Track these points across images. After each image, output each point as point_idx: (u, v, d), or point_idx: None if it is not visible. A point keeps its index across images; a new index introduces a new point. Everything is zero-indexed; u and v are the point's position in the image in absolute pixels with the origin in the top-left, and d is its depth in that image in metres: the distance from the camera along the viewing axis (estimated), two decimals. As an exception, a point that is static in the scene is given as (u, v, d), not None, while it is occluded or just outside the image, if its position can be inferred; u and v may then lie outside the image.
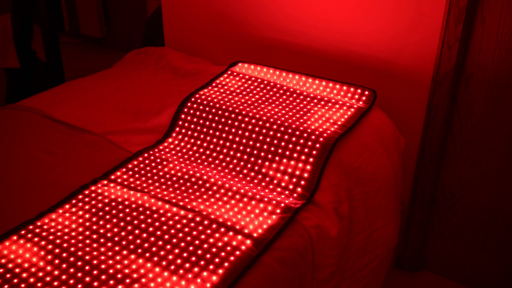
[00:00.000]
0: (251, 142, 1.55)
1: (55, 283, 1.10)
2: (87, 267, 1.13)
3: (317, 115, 1.63)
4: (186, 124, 1.68)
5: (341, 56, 1.98)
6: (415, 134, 1.92)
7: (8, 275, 1.12)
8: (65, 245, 1.20)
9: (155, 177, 1.47)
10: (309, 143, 1.49)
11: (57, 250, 1.18)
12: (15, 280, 1.11)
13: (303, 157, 1.48)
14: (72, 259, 1.16)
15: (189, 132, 1.66)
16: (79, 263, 1.14)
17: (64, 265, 1.14)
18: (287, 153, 1.50)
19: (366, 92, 1.75)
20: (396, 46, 1.84)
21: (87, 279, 1.10)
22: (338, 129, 1.56)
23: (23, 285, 1.09)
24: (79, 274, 1.12)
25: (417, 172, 1.97)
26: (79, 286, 1.09)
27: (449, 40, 1.72)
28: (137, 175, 1.47)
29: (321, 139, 1.50)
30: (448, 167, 1.95)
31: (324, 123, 1.58)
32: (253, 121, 1.58)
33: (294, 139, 1.51)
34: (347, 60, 1.97)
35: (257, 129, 1.56)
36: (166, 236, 1.23)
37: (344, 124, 1.59)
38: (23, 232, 1.24)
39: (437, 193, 2.01)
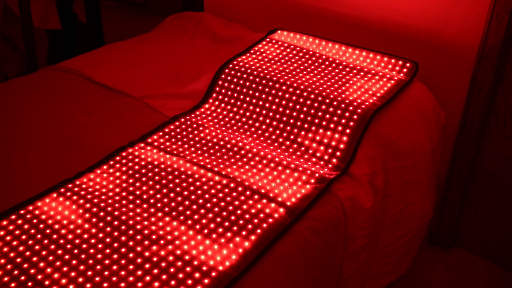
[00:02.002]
0: (287, 111, 1.54)
1: (92, 241, 1.13)
2: (123, 227, 1.16)
3: (356, 86, 1.60)
4: (223, 91, 1.67)
5: (382, 26, 1.93)
6: (457, 109, 1.87)
7: (47, 231, 1.16)
8: (102, 204, 1.23)
9: (191, 142, 1.48)
10: (347, 114, 1.47)
11: (94, 209, 1.21)
12: (54, 236, 1.14)
13: (339, 128, 1.46)
14: (108, 218, 1.18)
15: (226, 99, 1.65)
16: (116, 223, 1.17)
17: (101, 224, 1.17)
18: (324, 123, 1.48)
19: (408, 64, 1.71)
20: (441, 16, 1.78)
21: (123, 238, 1.13)
22: (377, 101, 1.53)
23: (61, 241, 1.13)
24: (115, 233, 1.14)
25: (456, 148, 1.93)
26: (115, 244, 1.11)
27: (498, 12, 1.65)
28: (173, 139, 1.49)
29: (359, 110, 1.47)
30: (489, 144, 1.90)
31: (363, 94, 1.56)
32: (291, 89, 1.56)
33: (331, 109, 1.49)
34: (389, 30, 1.92)
35: (294, 98, 1.54)
36: (200, 201, 1.24)
37: (383, 96, 1.56)
38: (62, 190, 1.28)
39: (475, 170, 1.96)
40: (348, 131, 1.45)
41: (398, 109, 1.58)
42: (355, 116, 1.46)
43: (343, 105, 1.49)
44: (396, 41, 1.91)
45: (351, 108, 1.48)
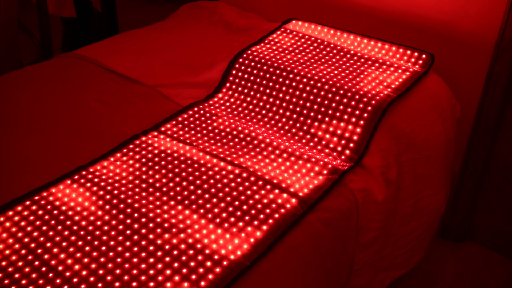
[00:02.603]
0: (301, 102, 1.53)
1: (105, 228, 1.14)
2: (135, 215, 1.17)
3: (371, 77, 1.59)
4: (237, 80, 1.67)
5: (398, 16, 1.91)
6: (472, 101, 1.85)
7: (61, 217, 1.17)
8: (115, 192, 1.23)
9: (204, 131, 1.48)
10: (361, 105, 1.46)
11: (107, 196, 1.22)
12: (68, 222, 1.15)
13: (353, 120, 1.45)
14: (121, 206, 1.19)
15: (240, 88, 1.65)
16: (128, 210, 1.18)
17: (114, 211, 1.18)
18: (338, 114, 1.47)
19: (423, 56, 1.69)
20: (458, 8, 1.76)
21: (136, 225, 1.14)
22: (392, 93, 1.52)
23: (75, 227, 1.14)
24: (128, 221, 1.15)
25: (471, 141, 1.91)
26: (128, 232, 1.12)
27: (517, 3, 1.62)
28: (186, 128, 1.49)
29: (373, 102, 1.46)
30: (504, 137, 1.88)
31: (377, 86, 1.54)
32: (305, 80, 1.56)
33: (345, 100, 1.48)
34: (405, 21, 1.90)
35: (308, 88, 1.54)
36: (213, 190, 1.24)
37: (398, 88, 1.55)
38: (76, 177, 1.29)
39: (490, 164, 1.94)
40: (361, 122, 1.44)
41: (413, 101, 1.57)
42: (369, 108, 1.45)
43: (357, 96, 1.48)
44: (412, 32, 1.89)
45: (365, 99, 1.47)
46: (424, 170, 1.56)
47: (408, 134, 1.51)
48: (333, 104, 1.49)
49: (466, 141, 1.93)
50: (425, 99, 1.60)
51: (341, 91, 1.50)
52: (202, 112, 1.56)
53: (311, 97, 1.52)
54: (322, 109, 1.49)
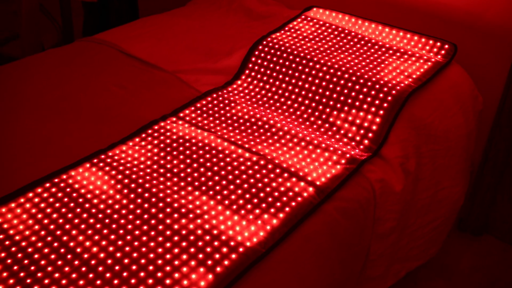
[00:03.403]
0: (320, 90, 1.52)
1: (123, 211, 1.15)
2: (153, 199, 1.17)
3: (392, 66, 1.57)
4: (256, 67, 1.66)
5: (421, 6, 1.88)
6: (495, 93, 1.82)
7: (80, 200, 1.18)
8: (133, 176, 1.24)
9: (222, 118, 1.48)
10: (381, 95, 1.45)
11: (126, 180, 1.23)
12: (87, 205, 1.17)
13: (373, 109, 1.44)
14: (139, 190, 1.20)
15: (259, 76, 1.64)
16: (146, 195, 1.19)
17: (132, 195, 1.19)
18: (357, 103, 1.46)
19: (446, 46, 1.66)
20: (483, -3, 1.72)
21: (153, 210, 1.15)
22: (412, 83, 1.50)
23: (93, 210, 1.15)
24: (146, 205, 1.16)
25: (492, 134, 1.88)
26: (145, 216, 1.13)
27: (544, -6, 1.59)
28: (205, 115, 1.49)
29: (393, 91, 1.45)
30: (527, 131, 1.85)
31: (398, 76, 1.53)
32: (325, 68, 1.54)
33: (365, 89, 1.46)
34: (428, 11, 1.87)
35: (328, 77, 1.52)
36: (230, 177, 1.25)
37: (419, 78, 1.53)
38: (95, 160, 1.30)
39: (511, 157, 1.91)
40: (381, 112, 1.43)
41: (434, 92, 1.55)
42: (389, 98, 1.44)
43: (377, 86, 1.46)
44: (435, 22, 1.86)
45: (385, 89, 1.45)
46: (443, 162, 1.55)
47: (428, 125, 1.50)
48: (353, 93, 1.47)
49: (487, 133, 1.90)
50: (447, 90, 1.58)
51: (361, 80, 1.48)
52: (220, 98, 1.56)
53: (331, 86, 1.51)
54: (342, 98, 1.48)
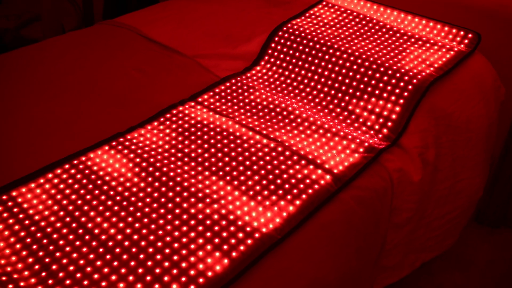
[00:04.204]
0: (340, 78, 1.51)
1: (141, 194, 1.15)
2: (170, 183, 1.18)
3: (413, 55, 1.55)
4: (275, 54, 1.65)
5: (445, -7, 1.84)
6: (518, 84, 1.79)
7: (98, 182, 1.19)
8: (151, 160, 1.25)
9: (241, 104, 1.48)
10: (401, 83, 1.43)
11: (144, 164, 1.24)
12: (105, 187, 1.18)
13: (393, 98, 1.42)
14: (157, 173, 1.21)
15: (278, 62, 1.64)
16: (164, 179, 1.19)
17: (149, 179, 1.20)
18: (377, 92, 1.44)
19: (469, 35, 1.64)
20: (509, -14, 1.69)
21: (170, 194, 1.15)
22: (434, 72, 1.48)
23: (111, 192, 1.16)
24: (163, 189, 1.17)
25: (514, 126, 1.85)
26: (162, 199, 1.14)
27: None
28: (223, 100, 1.49)
29: (414, 80, 1.43)
30: (549, 123, 1.81)
31: (420, 65, 1.50)
32: (345, 56, 1.53)
33: (385, 78, 1.45)
34: (452, -1, 1.84)
35: (348, 64, 1.51)
36: (247, 162, 1.25)
37: (441, 67, 1.51)
38: (114, 143, 1.31)
39: (532, 150, 1.89)
40: (401, 101, 1.41)
41: (455, 82, 1.52)
42: (410, 87, 1.42)
43: (398, 75, 1.44)
44: (459, 10, 1.83)
45: (406, 78, 1.43)
46: (463, 153, 1.53)
47: (449, 115, 1.48)
48: (373, 82, 1.46)
49: (509, 125, 1.87)
50: (469, 80, 1.56)
51: (382, 69, 1.46)
52: (239, 84, 1.55)
53: (351, 74, 1.50)
54: (361, 86, 1.47)
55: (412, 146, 1.38)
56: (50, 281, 0.97)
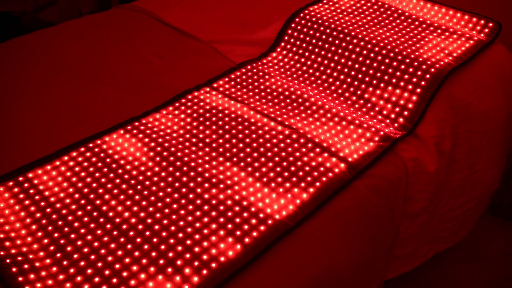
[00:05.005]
0: (356, 65, 1.49)
1: (155, 179, 1.16)
2: (185, 168, 1.18)
3: (432, 44, 1.53)
4: (292, 40, 1.64)
5: (466, -19, 1.81)
6: (538, 75, 1.75)
7: (113, 165, 1.20)
8: (166, 144, 1.25)
9: (256, 90, 1.47)
10: (419, 72, 1.41)
11: (158, 148, 1.24)
12: (120, 171, 1.18)
13: (410, 87, 1.41)
14: (171, 158, 1.21)
15: (294, 49, 1.62)
16: (178, 163, 1.20)
17: (164, 163, 1.20)
18: (394, 80, 1.43)
19: (490, 24, 1.61)
20: (533, -26, 1.65)
21: (184, 179, 1.15)
22: (453, 61, 1.46)
23: (126, 176, 1.17)
24: (177, 174, 1.17)
25: (532, 118, 1.82)
26: (177, 184, 1.14)
27: None
28: (238, 86, 1.48)
29: (432, 69, 1.41)
30: None
31: (438, 53, 1.48)
32: (362, 43, 1.51)
33: (403, 66, 1.43)
34: (473, -13, 1.80)
35: (365, 52, 1.49)
36: (262, 149, 1.24)
37: (459, 57, 1.48)
38: (129, 127, 1.31)
39: (551, 142, 1.85)
40: (418, 90, 1.39)
41: (474, 71, 1.50)
42: (428, 76, 1.40)
43: (416, 63, 1.43)
44: (479, -1, 1.79)
45: (424, 66, 1.42)
46: (480, 144, 1.51)
47: (467, 106, 1.46)
48: (390, 70, 1.44)
49: (527, 117, 1.84)
50: (488, 69, 1.53)
51: (399, 57, 1.45)
52: (255, 70, 1.55)
53: (368, 61, 1.48)
54: (378, 74, 1.45)
55: (428, 136, 1.36)
56: (64, 262, 0.98)
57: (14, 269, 0.97)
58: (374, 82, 1.45)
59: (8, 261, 0.98)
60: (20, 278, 0.95)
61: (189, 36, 1.72)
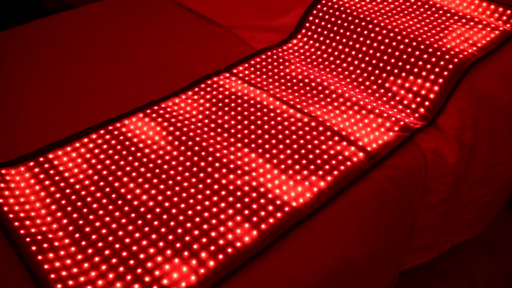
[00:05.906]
0: (378, 54, 1.47)
1: (173, 163, 1.17)
2: (203, 153, 1.19)
3: (455, 33, 1.50)
4: (313, 27, 1.62)
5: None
6: None
7: (132, 148, 1.21)
8: (184, 129, 1.26)
9: (276, 77, 1.46)
10: (442, 62, 1.39)
11: (177, 133, 1.25)
12: (138, 154, 1.19)
13: (432, 77, 1.39)
14: (190, 143, 1.22)
15: (315, 36, 1.61)
16: (196, 148, 1.20)
17: (182, 148, 1.20)
18: (415, 70, 1.41)
19: (516, 14, 1.57)
20: None
21: (202, 164, 1.16)
22: (476, 52, 1.43)
23: (144, 159, 1.18)
24: (195, 158, 1.17)
25: (556, 111, 1.78)
26: (194, 169, 1.15)
27: None
28: (258, 72, 1.48)
29: (455, 60, 1.39)
30: None
31: (462, 43, 1.46)
32: (384, 32, 1.49)
33: (425, 56, 1.41)
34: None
35: (387, 41, 1.47)
36: (280, 136, 1.24)
37: (484, 47, 1.46)
38: (148, 111, 1.32)
39: None
40: (440, 80, 1.37)
41: (498, 63, 1.47)
42: (451, 66, 1.38)
43: (438, 53, 1.40)
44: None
45: (447, 56, 1.39)
46: (501, 136, 1.49)
47: (489, 97, 1.43)
48: (412, 59, 1.42)
49: (551, 110, 1.80)
50: (513, 61, 1.50)
51: (422, 46, 1.43)
52: (275, 57, 1.54)
53: (389, 50, 1.46)
54: (400, 63, 1.43)
55: (449, 127, 1.35)
56: (83, 243, 1.00)
57: (33, 248, 0.98)
58: (396, 71, 1.43)
59: (28, 239, 1.00)
60: (39, 257, 0.97)
61: (209, 21, 1.71)
